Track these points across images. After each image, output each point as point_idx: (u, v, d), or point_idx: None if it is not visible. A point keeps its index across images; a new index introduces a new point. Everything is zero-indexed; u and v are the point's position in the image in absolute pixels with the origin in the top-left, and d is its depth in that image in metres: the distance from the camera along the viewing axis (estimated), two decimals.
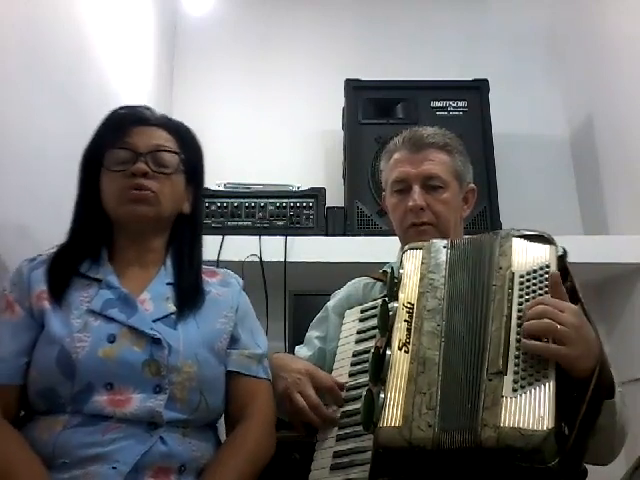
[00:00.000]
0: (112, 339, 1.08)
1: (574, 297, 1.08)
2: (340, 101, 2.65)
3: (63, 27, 1.83)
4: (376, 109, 2.59)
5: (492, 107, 2.58)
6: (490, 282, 1.11)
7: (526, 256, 1.13)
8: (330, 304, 1.56)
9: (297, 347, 1.55)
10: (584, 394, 0.98)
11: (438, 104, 2.58)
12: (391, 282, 1.19)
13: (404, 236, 1.49)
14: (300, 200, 2.40)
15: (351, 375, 1.26)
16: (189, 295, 1.19)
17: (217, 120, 2.89)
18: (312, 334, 1.54)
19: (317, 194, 2.42)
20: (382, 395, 1.02)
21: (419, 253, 1.23)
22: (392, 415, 0.99)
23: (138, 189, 1.17)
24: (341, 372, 1.29)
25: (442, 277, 1.17)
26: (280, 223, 2.36)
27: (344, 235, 2.36)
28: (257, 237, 2.25)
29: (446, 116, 2.55)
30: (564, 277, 1.09)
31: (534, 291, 1.07)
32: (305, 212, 2.38)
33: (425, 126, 1.57)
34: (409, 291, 1.16)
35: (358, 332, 1.34)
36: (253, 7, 3.13)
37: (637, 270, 2.32)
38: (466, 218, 1.59)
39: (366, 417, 1.02)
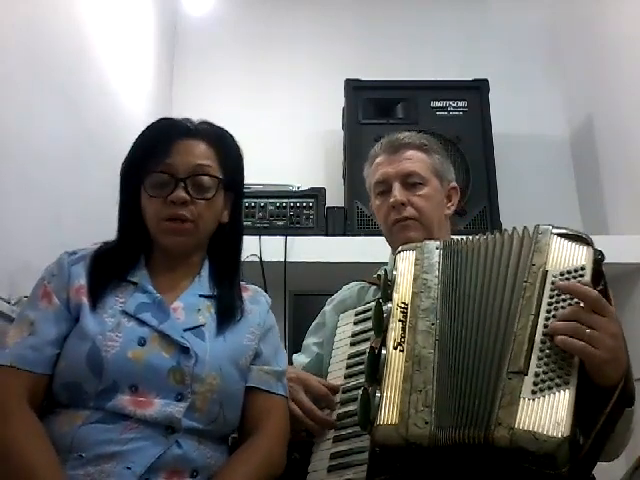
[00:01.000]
0: (142, 342, 1.09)
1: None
2: (340, 101, 2.65)
3: (63, 27, 1.83)
4: (376, 109, 2.60)
5: (492, 107, 2.58)
6: (520, 278, 1.09)
7: (562, 256, 1.10)
8: (327, 309, 1.57)
9: (295, 355, 1.56)
10: (604, 404, 0.97)
11: (438, 104, 2.58)
12: (385, 283, 1.19)
13: (390, 234, 1.52)
14: (300, 200, 2.40)
15: (346, 377, 1.27)
16: (229, 310, 1.21)
17: (217, 120, 2.86)
18: (309, 341, 1.55)
19: (317, 194, 2.42)
20: (378, 394, 1.02)
21: (412, 254, 1.23)
22: (388, 413, 0.99)
23: (177, 219, 1.17)
24: (336, 375, 1.30)
25: (436, 277, 1.17)
26: (280, 223, 2.36)
27: (344, 235, 2.36)
28: (257, 237, 2.25)
29: (446, 116, 2.55)
30: (597, 281, 1.07)
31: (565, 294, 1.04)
32: (305, 212, 2.38)
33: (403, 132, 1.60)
34: (403, 291, 1.16)
35: (352, 335, 1.35)
36: (253, 7, 3.13)
37: (637, 270, 2.32)
38: (461, 215, 1.60)
39: (363, 416, 1.03)
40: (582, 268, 1.07)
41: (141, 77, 2.60)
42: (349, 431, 1.16)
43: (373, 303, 1.20)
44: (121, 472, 1.00)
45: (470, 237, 1.24)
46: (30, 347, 1.09)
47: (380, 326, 1.13)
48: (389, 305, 1.14)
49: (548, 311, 1.03)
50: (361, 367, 1.17)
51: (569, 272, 1.07)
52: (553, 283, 1.06)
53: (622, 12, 2.53)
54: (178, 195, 1.17)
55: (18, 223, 1.52)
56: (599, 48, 2.72)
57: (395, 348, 1.07)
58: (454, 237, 1.29)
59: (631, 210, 2.47)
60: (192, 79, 3.02)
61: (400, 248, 1.27)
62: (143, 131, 1.24)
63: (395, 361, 1.06)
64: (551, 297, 1.05)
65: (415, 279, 1.17)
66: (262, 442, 1.14)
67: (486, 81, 2.61)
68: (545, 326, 1.01)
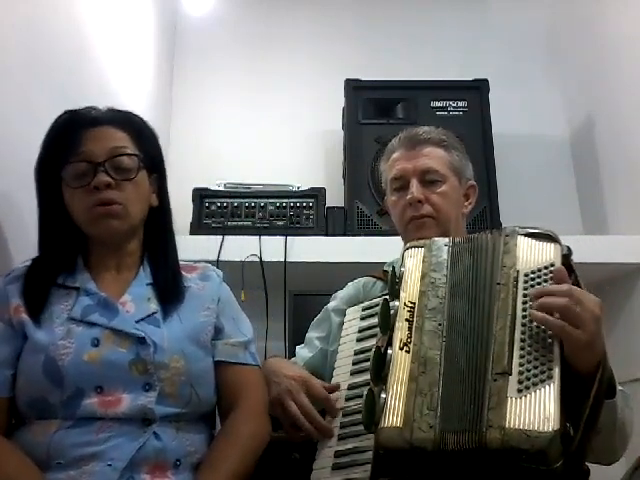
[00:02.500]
0: (96, 343, 1.08)
1: None
2: (340, 101, 2.65)
3: (63, 27, 1.83)
4: (376, 109, 2.60)
5: (492, 107, 2.58)
6: (494, 280, 1.10)
7: (531, 254, 1.12)
8: (330, 305, 1.56)
9: (297, 347, 1.55)
10: (588, 392, 0.98)
11: (438, 104, 2.58)
12: (392, 280, 1.19)
13: (405, 232, 1.49)
14: (300, 200, 2.40)
15: (352, 374, 1.26)
16: (169, 293, 1.19)
17: (217, 120, 2.89)
18: (313, 335, 1.53)
19: (317, 194, 2.42)
20: (383, 395, 1.02)
21: (420, 251, 1.22)
22: (393, 416, 0.99)
23: (104, 204, 1.15)
24: (342, 371, 1.29)
25: (443, 276, 1.16)
26: (280, 223, 2.36)
27: (344, 235, 2.36)
28: (257, 237, 2.25)
29: (446, 116, 2.56)
30: (568, 275, 1.07)
31: None
32: (305, 212, 2.38)
33: (422, 126, 1.57)
34: (410, 290, 1.15)
35: (359, 330, 1.33)
36: (253, 7, 3.13)
37: (637, 270, 2.32)
38: (468, 215, 1.58)
39: (367, 417, 1.02)
40: (551, 264, 1.08)
41: (141, 77, 2.60)
42: (355, 429, 1.15)
43: (380, 299, 1.20)
44: (103, 470, 1.00)
45: (474, 235, 1.23)
46: None
47: (386, 324, 1.13)
48: (396, 303, 1.14)
49: (524, 309, 1.04)
50: (367, 364, 1.16)
51: (539, 270, 1.09)
52: (525, 282, 1.08)
53: (622, 12, 2.53)
54: (100, 179, 1.14)
55: (20, 223, 1.52)
56: (599, 48, 2.72)
57: (401, 349, 1.07)
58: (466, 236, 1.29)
59: (631, 210, 2.47)
60: (192, 79, 3.02)
61: (408, 245, 1.27)
62: (50, 127, 1.22)
63: (401, 362, 1.05)
64: (525, 296, 1.06)
65: (423, 277, 1.17)
66: (242, 422, 1.14)
67: (486, 81, 2.61)
68: (523, 324, 1.03)
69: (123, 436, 1.03)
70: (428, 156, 1.47)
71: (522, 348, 1.00)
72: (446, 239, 1.24)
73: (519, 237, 1.15)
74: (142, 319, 1.13)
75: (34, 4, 1.65)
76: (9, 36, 1.51)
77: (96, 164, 1.15)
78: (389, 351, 1.07)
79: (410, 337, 1.08)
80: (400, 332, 1.09)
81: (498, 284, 1.09)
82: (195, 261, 1.33)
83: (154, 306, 1.16)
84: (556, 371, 0.96)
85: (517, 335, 1.02)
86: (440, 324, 1.09)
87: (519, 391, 0.95)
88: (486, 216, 2.39)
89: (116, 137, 1.20)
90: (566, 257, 1.11)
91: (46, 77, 1.70)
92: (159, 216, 1.27)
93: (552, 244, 1.12)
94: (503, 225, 2.32)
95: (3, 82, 1.48)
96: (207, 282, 1.27)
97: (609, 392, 1.06)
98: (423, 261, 1.20)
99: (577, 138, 2.93)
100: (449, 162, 1.49)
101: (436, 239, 1.25)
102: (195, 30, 3.13)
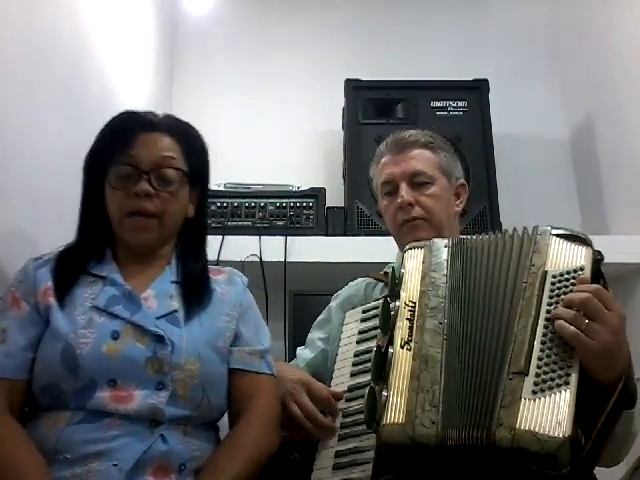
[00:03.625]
0: (116, 336, 1.09)
1: None
2: (340, 101, 2.65)
3: (64, 27, 1.83)
4: (376, 109, 2.59)
5: (492, 107, 2.57)
6: (520, 279, 1.09)
7: (561, 256, 1.10)
8: (332, 305, 1.56)
9: (299, 349, 1.55)
10: (605, 404, 0.97)
11: (438, 104, 2.58)
12: (392, 281, 1.19)
13: (399, 235, 1.50)
14: (300, 200, 2.40)
15: (353, 375, 1.26)
16: (196, 293, 1.20)
17: (217, 120, 2.88)
18: (314, 335, 1.54)
19: (317, 194, 2.42)
20: (385, 393, 1.02)
21: (420, 252, 1.23)
22: (395, 412, 0.99)
23: (140, 213, 1.17)
24: (343, 372, 1.29)
25: (444, 275, 1.16)
26: (280, 223, 2.35)
27: (344, 235, 2.35)
28: (257, 237, 2.25)
29: (446, 116, 2.55)
30: (596, 281, 1.07)
31: (565, 293, 1.04)
32: (305, 212, 2.38)
33: (408, 130, 1.57)
34: (411, 290, 1.16)
35: (360, 332, 1.34)
36: (253, 7, 3.13)
37: (637, 270, 2.32)
38: (461, 214, 1.58)
39: (369, 415, 1.02)
40: (581, 268, 1.07)
41: (141, 77, 2.60)
42: (355, 429, 1.16)
43: (380, 301, 1.20)
44: (108, 470, 1.00)
45: (475, 236, 1.23)
46: (4, 354, 1.09)
47: (387, 324, 1.13)
48: (396, 303, 1.14)
49: (548, 312, 1.03)
50: (368, 365, 1.17)
51: (568, 272, 1.07)
52: (553, 284, 1.06)
53: (622, 12, 2.53)
54: (142, 188, 1.16)
55: (19, 222, 1.52)
56: (599, 48, 2.71)
57: (402, 347, 1.07)
58: (462, 236, 1.29)
59: (631, 210, 2.47)
60: (192, 79, 3.02)
61: (408, 246, 1.27)
62: (107, 124, 1.24)
63: (402, 360, 1.05)
64: (551, 297, 1.05)
65: (423, 277, 1.17)
66: (252, 424, 1.14)
67: (486, 81, 2.61)
68: (545, 327, 1.01)
69: (131, 436, 1.03)
70: (416, 158, 1.48)
71: (542, 350, 0.99)
72: (445, 240, 1.24)
73: (552, 237, 1.13)
74: (162, 316, 1.14)
75: (35, 4, 1.65)
76: (10, 36, 1.51)
77: (141, 171, 1.17)
78: (390, 350, 1.07)
79: (411, 336, 1.08)
80: (401, 331, 1.09)
81: (524, 282, 1.08)
82: None
83: (175, 304, 1.17)
84: (574, 377, 0.95)
85: (538, 336, 1.01)
86: (441, 323, 1.09)
87: (534, 393, 0.95)
88: (486, 216, 2.39)
89: (167, 146, 1.21)
90: (597, 262, 1.09)
91: (47, 76, 1.70)
92: (194, 227, 1.29)
93: (584, 247, 1.11)
94: (503, 225, 2.33)
95: (5, 81, 1.48)
96: (231, 287, 1.27)
97: (629, 403, 1.05)
98: (423, 262, 1.20)
99: (577, 138, 2.92)
100: (437, 163, 1.49)
101: (436, 240, 1.25)
102: (195, 30, 3.13)
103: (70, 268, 1.17)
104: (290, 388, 1.24)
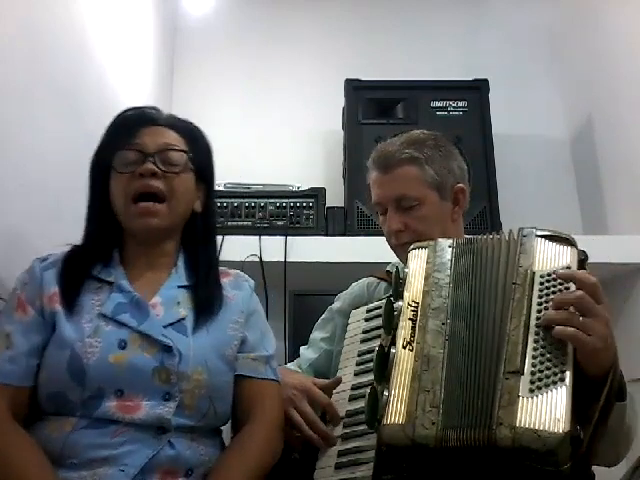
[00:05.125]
0: (123, 345, 1.07)
1: None
2: (340, 101, 2.65)
3: (63, 27, 1.83)
4: (376, 109, 2.60)
5: (492, 107, 2.58)
6: (509, 280, 1.10)
7: (547, 256, 1.12)
8: (335, 306, 1.56)
9: (302, 348, 1.55)
10: (598, 396, 0.98)
11: (438, 104, 2.58)
12: (396, 281, 1.19)
13: (395, 252, 1.49)
14: (300, 200, 2.40)
15: (356, 374, 1.26)
16: (207, 303, 1.18)
17: (217, 120, 2.89)
18: (317, 335, 1.54)
19: (317, 194, 2.42)
20: (386, 393, 1.02)
21: (424, 252, 1.23)
22: (396, 413, 0.99)
23: (147, 196, 1.15)
24: (346, 371, 1.29)
25: (447, 276, 1.16)
26: (280, 223, 2.36)
27: (344, 235, 2.36)
28: (257, 237, 2.25)
29: (446, 116, 2.56)
30: None
31: (554, 292, 1.06)
32: (305, 212, 2.38)
33: (393, 138, 1.51)
34: (414, 290, 1.16)
35: (364, 332, 1.34)
36: (253, 7, 3.13)
37: (637, 270, 2.32)
38: (463, 217, 1.54)
39: (370, 415, 1.02)
40: (567, 268, 1.08)
41: (141, 77, 2.60)
42: (357, 429, 1.16)
43: (384, 300, 1.20)
44: (115, 475, 0.99)
45: (478, 237, 1.23)
46: (8, 360, 1.07)
47: (390, 324, 1.13)
48: (400, 303, 1.14)
49: (539, 311, 1.04)
50: (371, 365, 1.16)
51: (555, 272, 1.08)
52: (541, 284, 1.07)
53: (622, 12, 2.53)
54: (147, 167, 1.15)
55: (18, 222, 1.52)
56: (599, 48, 2.72)
57: (404, 347, 1.07)
58: (467, 236, 1.29)
59: (631, 210, 2.47)
60: (192, 79, 3.02)
61: (412, 246, 1.26)
62: (112, 121, 1.23)
63: (404, 360, 1.05)
64: (540, 297, 1.06)
65: (426, 277, 1.17)
66: (254, 436, 1.13)
67: (486, 81, 2.61)
68: (537, 325, 1.03)
69: (138, 442, 1.02)
70: (401, 180, 1.42)
71: (535, 349, 1.00)
72: (450, 240, 1.24)
73: (536, 238, 1.15)
74: (170, 324, 1.12)
75: (34, 4, 1.65)
76: (9, 36, 1.51)
77: (146, 154, 1.17)
78: (392, 350, 1.07)
79: (413, 336, 1.08)
80: (404, 331, 1.09)
81: (514, 284, 1.09)
82: None
83: (183, 311, 1.15)
84: (568, 373, 0.96)
85: (531, 336, 1.02)
86: (443, 323, 1.09)
87: (531, 391, 0.95)
88: (486, 216, 2.39)
89: (171, 137, 1.22)
90: (582, 262, 1.11)
91: (47, 76, 1.70)
92: (202, 222, 1.27)
93: (569, 247, 1.12)
94: (503, 225, 2.33)
95: (4, 82, 1.48)
96: (239, 291, 1.26)
97: (619, 394, 1.06)
98: (427, 262, 1.20)
99: (577, 138, 2.93)
100: (424, 180, 1.42)
101: (440, 240, 1.25)
102: (195, 30, 3.13)
103: (77, 274, 1.15)
104: (290, 394, 1.24)
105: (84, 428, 1.03)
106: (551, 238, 1.15)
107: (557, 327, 0.99)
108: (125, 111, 1.25)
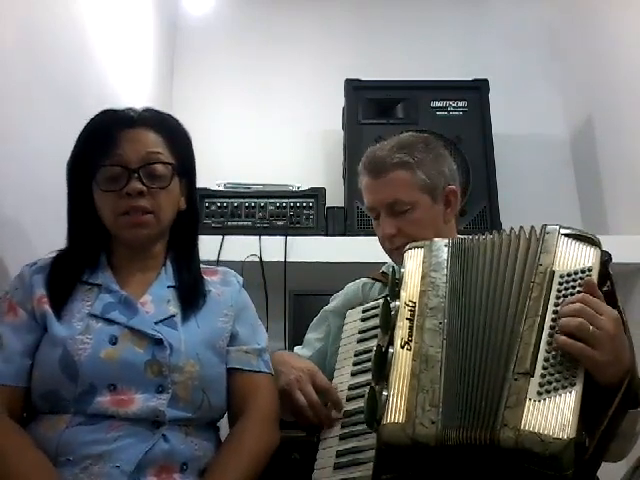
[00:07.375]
0: (114, 341, 1.09)
1: (612, 303, 1.06)
2: (340, 101, 2.65)
3: (63, 26, 1.83)
4: (376, 109, 2.59)
5: (492, 107, 2.58)
6: (527, 279, 1.08)
7: (569, 256, 1.09)
8: (329, 307, 1.57)
9: (296, 348, 1.55)
10: (608, 405, 0.96)
11: (438, 104, 2.58)
12: (393, 281, 1.19)
13: (390, 257, 1.51)
14: (300, 200, 2.40)
15: (353, 374, 1.26)
16: (190, 297, 1.20)
17: (217, 120, 2.89)
18: (311, 336, 1.54)
19: (317, 194, 2.42)
20: (385, 393, 1.02)
21: (420, 252, 1.23)
22: (395, 412, 0.99)
23: (135, 211, 1.15)
24: (343, 372, 1.29)
25: (444, 275, 1.16)
26: (280, 223, 2.36)
27: (344, 235, 2.36)
28: (257, 237, 2.25)
29: (446, 116, 2.56)
30: (603, 282, 1.06)
31: (572, 294, 1.04)
32: (305, 212, 2.38)
33: (383, 142, 1.51)
34: (411, 289, 1.15)
35: (360, 332, 1.34)
36: (253, 7, 3.13)
37: (637, 270, 2.32)
38: (461, 214, 1.55)
39: (369, 414, 1.02)
40: (589, 269, 1.06)
41: (141, 77, 2.60)
42: (356, 429, 1.16)
43: (381, 300, 1.20)
44: (110, 472, 0.99)
45: (477, 236, 1.22)
46: (1, 361, 1.08)
47: (387, 324, 1.13)
48: (397, 303, 1.14)
49: (555, 312, 1.02)
50: (368, 365, 1.16)
51: (576, 273, 1.06)
52: (560, 284, 1.05)
53: (622, 12, 2.53)
54: (134, 187, 1.14)
55: (18, 221, 1.52)
56: (599, 48, 2.72)
57: (402, 347, 1.06)
58: (461, 236, 1.28)
59: (631, 210, 2.47)
60: (192, 79, 3.02)
61: (408, 246, 1.27)
62: (86, 124, 1.22)
63: (402, 360, 1.05)
64: (558, 298, 1.04)
65: (423, 277, 1.17)
66: (249, 429, 1.14)
67: (486, 81, 2.61)
68: (552, 327, 1.01)
69: (132, 437, 1.03)
70: (392, 185, 1.43)
71: (548, 351, 0.98)
72: (446, 240, 1.24)
73: (560, 237, 1.13)
74: (161, 321, 1.14)
75: (33, 4, 1.65)
76: (9, 36, 1.51)
77: (130, 170, 1.15)
78: (390, 350, 1.07)
79: (411, 335, 1.08)
80: (401, 331, 1.09)
81: (532, 282, 1.07)
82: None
83: (173, 309, 1.17)
84: (579, 379, 0.95)
85: (544, 338, 1.00)
86: (441, 323, 1.09)
87: (539, 394, 0.94)
88: (486, 216, 2.39)
89: (151, 141, 1.20)
90: (605, 264, 1.09)
91: (47, 77, 1.70)
92: (186, 220, 1.27)
93: (593, 248, 1.10)
94: (503, 225, 2.33)
95: (4, 82, 1.48)
96: (227, 287, 1.27)
97: (634, 402, 1.04)
98: (423, 262, 1.20)
99: (577, 138, 2.93)
100: (415, 184, 1.42)
101: (436, 239, 1.25)
102: (195, 29, 3.13)
103: (65, 279, 1.16)
104: (297, 376, 1.24)
105: (78, 425, 1.03)
106: (575, 237, 1.12)
107: (563, 338, 0.98)
108: (99, 114, 1.23)
